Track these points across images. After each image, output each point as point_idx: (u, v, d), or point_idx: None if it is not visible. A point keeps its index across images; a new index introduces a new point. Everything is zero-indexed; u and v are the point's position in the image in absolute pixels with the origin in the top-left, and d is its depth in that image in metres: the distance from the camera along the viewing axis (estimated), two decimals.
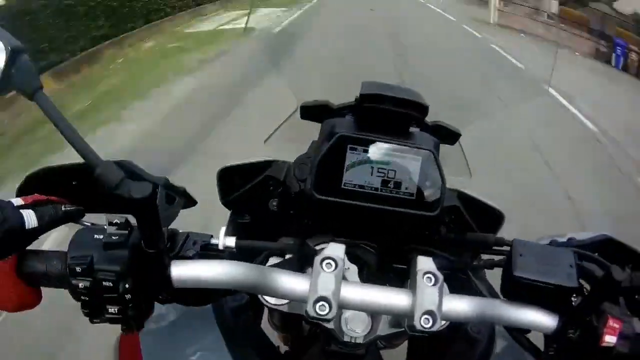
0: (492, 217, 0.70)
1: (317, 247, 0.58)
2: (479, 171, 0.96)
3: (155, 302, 0.52)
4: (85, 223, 0.53)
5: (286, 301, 0.59)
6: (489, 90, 5.34)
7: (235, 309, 0.65)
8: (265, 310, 0.74)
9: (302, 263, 0.59)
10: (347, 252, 0.59)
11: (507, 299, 0.53)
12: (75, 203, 0.53)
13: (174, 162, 3.08)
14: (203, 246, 0.55)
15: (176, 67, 6.19)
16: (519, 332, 0.56)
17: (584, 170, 3.75)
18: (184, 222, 0.60)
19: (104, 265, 0.46)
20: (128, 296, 0.47)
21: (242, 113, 3.73)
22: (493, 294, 0.60)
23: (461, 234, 0.65)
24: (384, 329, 0.57)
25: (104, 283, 0.45)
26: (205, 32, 8.82)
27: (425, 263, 0.51)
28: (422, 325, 0.48)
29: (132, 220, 0.46)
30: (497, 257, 0.59)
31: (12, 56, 0.47)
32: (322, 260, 0.49)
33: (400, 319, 0.53)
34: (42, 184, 0.56)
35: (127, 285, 0.46)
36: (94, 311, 0.47)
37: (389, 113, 0.58)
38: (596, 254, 0.55)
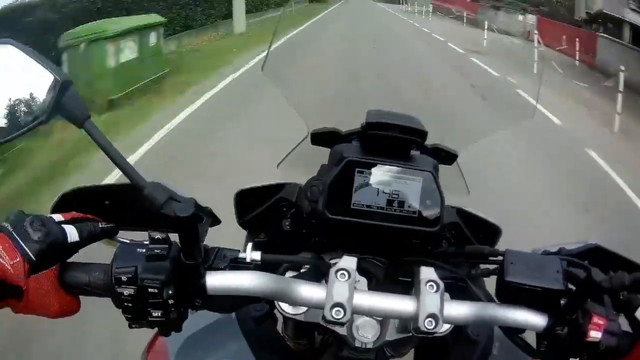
0: (490, 231, 0.76)
1: (332, 261, 0.64)
2: None
3: (189, 309, 0.58)
4: (119, 239, 0.60)
5: (303, 311, 0.65)
6: None
7: (257, 318, 0.71)
8: (279, 324, 0.79)
9: (317, 275, 0.64)
10: (357, 266, 0.65)
11: (502, 302, 0.58)
12: (108, 221, 0.59)
13: None
14: (232, 259, 0.61)
15: None
16: (513, 332, 0.61)
17: None
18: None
19: (149, 274, 0.52)
20: (171, 301, 0.53)
21: None
22: (490, 300, 0.65)
23: (459, 247, 0.71)
24: (392, 334, 0.63)
25: (150, 290, 0.51)
26: None
27: (427, 272, 0.57)
28: (426, 327, 0.54)
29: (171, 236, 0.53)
30: (492, 266, 0.65)
31: (62, 88, 0.52)
32: (337, 271, 0.55)
33: (407, 322, 0.58)
34: (75, 203, 0.62)
35: (170, 292, 0.52)
36: (136, 316, 0.53)
37: (392, 139, 0.64)
38: (586, 261, 0.60)
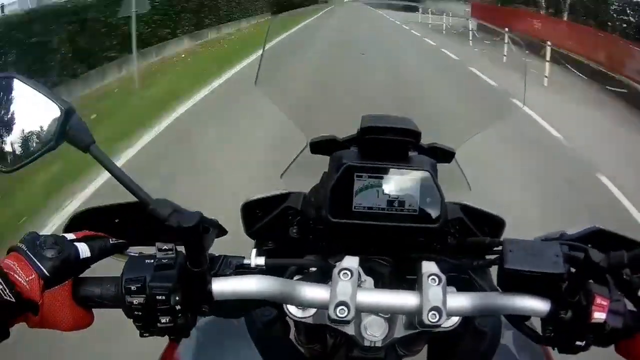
0: (494, 224, 0.77)
1: (336, 262, 0.65)
2: None
3: (198, 316, 0.60)
4: (129, 254, 0.62)
5: (310, 314, 0.66)
6: None
7: (265, 323, 0.72)
8: (292, 330, 0.80)
9: (323, 277, 0.66)
10: (363, 266, 0.66)
11: (504, 291, 0.59)
12: (118, 238, 0.62)
13: None
14: (238, 266, 0.63)
15: None
16: (518, 320, 0.62)
17: None
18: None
19: (157, 282, 0.54)
20: (178, 307, 0.55)
21: None
22: (494, 290, 0.66)
23: (460, 241, 0.72)
24: (400, 331, 0.63)
25: (158, 297, 0.53)
26: None
27: (428, 266, 0.58)
28: (429, 320, 0.54)
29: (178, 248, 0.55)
30: (494, 257, 0.65)
31: (66, 116, 0.56)
32: (340, 271, 0.57)
33: (412, 317, 0.59)
34: (85, 223, 0.65)
35: (177, 298, 0.54)
36: (146, 324, 0.56)
37: (387, 142, 0.67)
38: (589, 245, 0.61)
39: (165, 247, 0.55)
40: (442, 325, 0.60)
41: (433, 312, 0.54)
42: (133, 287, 0.54)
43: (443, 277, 0.56)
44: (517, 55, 9.84)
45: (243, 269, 0.63)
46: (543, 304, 0.57)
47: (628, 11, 12.06)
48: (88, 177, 4.33)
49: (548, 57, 9.34)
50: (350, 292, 0.55)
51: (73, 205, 4.02)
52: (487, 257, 0.69)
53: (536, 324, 0.62)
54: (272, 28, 0.93)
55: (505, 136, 5.22)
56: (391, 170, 0.66)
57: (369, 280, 0.66)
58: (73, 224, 0.67)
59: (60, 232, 0.63)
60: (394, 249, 0.71)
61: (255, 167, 4.27)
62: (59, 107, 0.56)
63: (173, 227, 0.51)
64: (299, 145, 0.79)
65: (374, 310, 0.61)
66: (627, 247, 0.57)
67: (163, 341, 0.70)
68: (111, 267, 0.61)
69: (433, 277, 0.56)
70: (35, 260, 0.52)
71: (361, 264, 0.64)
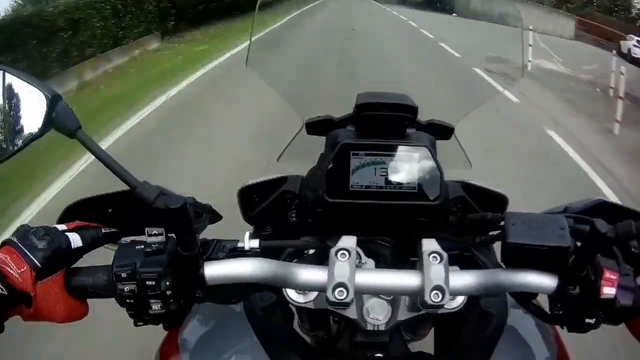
0: (497, 202, 0.75)
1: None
2: None
3: (194, 303, 0.58)
4: (122, 243, 0.60)
5: (311, 299, 0.65)
6: None
7: (265, 309, 0.70)
8: (295, 319, 0.80)
9: (320, 259, 0.65)
10: (364, 248, 0.65)
11: (509, 267, 0.56)
12: (112, 228, 0.61)
13: None
14: (231, 249, 0.61)
15: None
16: (525, 299, 0.60)
17: None
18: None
19: (147, 268, 0.53)
20: (169, 292, 0.53)
21: None
22: (499, 267, 0.65)
23: (462, 218, 0.71)
24: (403, 314, 0.61)
25: (148, 282, 0.52)
26: None
27: (429, 244, 0.55)
28: (432, 300, 0.52)
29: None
30: (496, 233, 0.64)
31: (52, 103, 0.55)
32: (337, 251, 0.54)
33: (414, 298, 0.57)
34: (79, 214, 0.64)
35: (167, 283, 0.53)
36: (139, 312, 0.54)
37: (384, 118, 0.65)
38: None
39: (155, 231, 0.54)
40: (446, 306, 0.59)
41: (435, 291, 0.52)
42: (123, 274, 0.52)
43: (445, 254, 0.54)
44: None
45: (237, 253, 0.61)
46: (550, 279, 0.54)
47: None
48: None
49: None
50: (348, 273, 0.52)
51: None
52: (490, 234, 0.67)
53: (543, 303, 0.60)
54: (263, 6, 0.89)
55: None
56: (388, 147, 0.65)
57: (369, 262, 0.64)
58: (67, 215, 0.66)
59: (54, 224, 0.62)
60: (393, 229, 0.70)
61: None
62: (44, 94, 0.56)
63: (160, 210, 0.50)
64: None
65: (374, 292, 0.58)
66: (632, 219, 0.55)
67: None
68: (108, 258, 0.60)
69: (434, 255, 0.54)
70: (27, 252, 0.51)
71: (361, 245, 0.63)
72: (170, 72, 8.83)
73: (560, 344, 0.72)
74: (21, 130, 0.57)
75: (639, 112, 7.56)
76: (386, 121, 0.65)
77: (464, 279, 0.55)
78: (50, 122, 0.55)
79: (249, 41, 0.89)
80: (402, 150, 0.65)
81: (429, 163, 0.64)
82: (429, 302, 0.52)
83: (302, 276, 0.55)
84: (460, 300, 0.64)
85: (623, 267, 0.54)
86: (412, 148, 0.65)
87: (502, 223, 0.57)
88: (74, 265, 0.56)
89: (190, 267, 0.55)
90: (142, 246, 0.54)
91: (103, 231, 0.59)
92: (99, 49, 10.11)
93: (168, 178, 3.69)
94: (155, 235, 0.54)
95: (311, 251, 0.71)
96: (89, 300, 0.57)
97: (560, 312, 0.56)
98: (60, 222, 0.63)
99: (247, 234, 0.64)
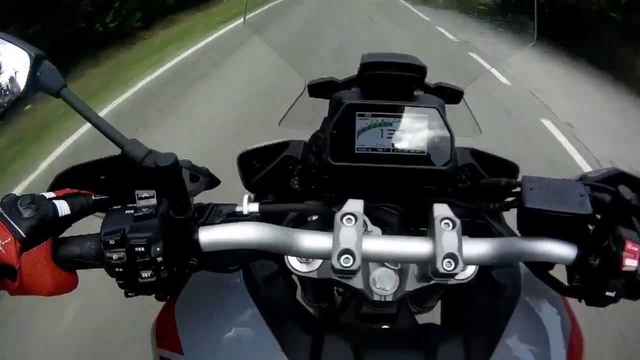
0: (508, 170, 0.72)
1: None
2: None
3: (191, 273, 0.54)
4: (113, 209, 0.56)
5: (314, 268, 0.62)
6: None
7: (266, 278, 0.66)
8: (298, 290, 0.77)
9: (325, 226, 0.62)
10: (370, 216, 0.62)
11: (525, 236, 0.53)
12: (104, 194, 0.57)
13: None
14: (229, 214, 0.58)
15: None
16: (542, 269, 0.57)
17: None
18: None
19: (136, 233, 0.48)
20: (160, 259, 0.49)
21: None
22: (512, 235, 0.62)
23: (473, 184, 0.67)
24: (412, 284, 0.58)
25: (137, 249, 0.48)
26: None
27: (441, 209, 0.51)
28: (445, 269, 0.48)
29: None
30: (511, 199, 0.60)
31: (36, 62, 0.53)
32: (343, 216, 0.50)
33: (424, 267, 0.54)
34: (71, 181, 0.60)
35: (158, 249, 0.48)
36: (129, 282, 0.50)
37: (390, 77, 0.61)
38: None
39: (146, 194, 0.50)
40: (456, 277, 0.55)
41: (448, 259, 0.48)
42: (111, 241, 0.48)
43: (457, 220, 0.50)
44: None
45: (235, 217, 0.58)
46: (569, 249, 0.51)
47: None
48: None
49: None
50: (355, 239, 0.48)
51: None
52: (505, 201, 0.64)
53: (559, 275, 0.57)
54: None
55: None
56: (396, 108, 0.61)
57: (376, 230, 0.61)
58: (58, 182, 0.62)
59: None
60: (401, 195, 0.66)
61: None
62: (28, 54, 0.53)
63: (150, 169, 0.47)
64: None
65: (382, 260, 0.55)
66: None
67: None
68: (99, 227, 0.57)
69: (446, 221, 0.50)
70: (12, 222, 0.48)
71: (368, 213, 0.60)
72: None
73: (574, 319, 0.69)
74: (4, 90, 0.54)
75: None
76: (393, 81, 0.62)
77: (479, 247, 0.52)
78: (34, 81, 0.53)
79: None
80: (410, 112, 0.61)
81: (439, 126, 0.61)
82: (442, 270, 0.48)
83: (305, 242, 0.51)
84: (471, 270, 0.61)
85: None
86: (421, 110, 0.61)
87: (518, 189, 0.53)
88: (61, 235, 0.53)
89: (183, 232, 0.51)
90: (132, 211, 0.50)
91: (93, 198, 0.56)
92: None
93: None
94: (145, 198, 0.50)
95: (315, 217, 0.68)
96: (78, 271, 0.53)
97: (579, 285, 0.53)
98: (50, 190, 0.59)
99: (245, 197, 0.60)
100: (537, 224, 0.51)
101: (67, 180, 0.62)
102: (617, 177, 0.60)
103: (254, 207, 0.59)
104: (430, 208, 0.52)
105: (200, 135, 3.81)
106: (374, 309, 0.61)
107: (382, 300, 0.59)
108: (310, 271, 0.62)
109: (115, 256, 0.48)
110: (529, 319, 0.66)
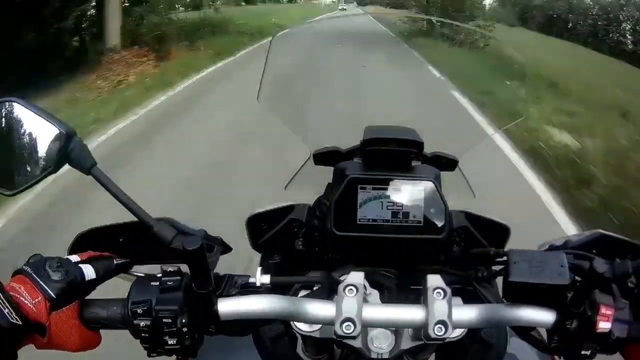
0: (499, 232, 0.76)
1: (341, 277, 0.64)
2: None
3: (205, 335, 0.59)
4: (134, 273, 0.62)
5: (317, 327, 0.66)
6: None
7: (273, 338, 0.71)
8: (299, 343, 0.79)
9: (328, 292, 0.66)
10: (368, 279, 0.66)
11: (510, 302, 0.58)
12: (123, 257, 0.62)
13: None
14: (243, 285, 0.63)
15: None
16: (524, 330, 0.61)
17: None
18: None
19: (163, 306, 0.54)
20: (185, 329, 0.54)
21: None
22: (500, 301, 0.65)
23: (465, 251, 0.72)
24: (407, 343, 0.63)
25: (164, 320, 0.53)
26: None
27: (434, 280, 0.57)
28: (435, 334, 0.54)
29: (183, 267, 0.55)
30: (499, 267, 0.65)
31: (67, 139, 0.56)
32: (345, 287, 0.56)
33: (417, 331, 0.59)
34: (91, 243, 0.65)
35: (183, 320, 0.54)
36: (153, 345, 0.55)
37: (390, 152, 0.67)
38: (594, 251, 0.61)
39: (170, 269, 0.55)
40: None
41: (439, 325, 0.54)
42: (139, 310, 0.54)
43: (448, 290, 0.56)
44: None
45: (249, 288, 0.63)
46: (548, 314, 0.57)
47: None
48: None
49: None
50: (356, 309, 0.55)
51: None
52: (493, 267, 0.68)
53: (543, 332, 0.61)
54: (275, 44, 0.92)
55: None
56: (395, 181, 0.66)
57: (374, 293, 0.65)
58: (78, 243, 0.67)
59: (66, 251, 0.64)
60: (399, 261, 0.71)
61: None
62: (59, 130, 0.56)
63: (177, 250, 0.52)
64: None
65: (380, 325, 0.60)
66: (631, 251, 0.57)
67: None
68: (117, 284, 0.62)
69: (438, 290, 0.56)
70: (41, 283, 0.52)
71: (366, 277, 0.64)
72: None
73: None
74: (35, 165, 0.57)
75: None
76: (393, 155, 0.67)
77: (467, 313, 0.57)
78: (65, 158, 0.56)
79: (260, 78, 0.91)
80: (408, 184, 0.66)
81: (435, 197, 0.66)
82: (433, 335, 0.54)
83: (312, 311, 0.57)
84: (461, 330, 0.65)
85: (619, 301, 0.55)
86: (417, 182, 0.66)
87: (505, 258, 0.59)
88: (87, 297, 0.57)
89: (204, 304, 0.56)
90: (157, 283, 0.55)
91: (115, 262, 0.61)
92: None
93: None
94: (170, 272, 0.55)
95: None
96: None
97: (558, 344, 0.58)
98: (71, 251, 0.64)
99: (258, 270, 0.65)
100: (521, 291, 0.57)
101: (86, 241, 0.67)
102: (601, 240, 0.65)
103: (266, 279, 0.64)
104: (424, 277, 0.58)
105: None
106: None
107: (379, 358, 0.63)
108: (314, 331, 0.66)
109: (142, 323, 0.54)
110: None
